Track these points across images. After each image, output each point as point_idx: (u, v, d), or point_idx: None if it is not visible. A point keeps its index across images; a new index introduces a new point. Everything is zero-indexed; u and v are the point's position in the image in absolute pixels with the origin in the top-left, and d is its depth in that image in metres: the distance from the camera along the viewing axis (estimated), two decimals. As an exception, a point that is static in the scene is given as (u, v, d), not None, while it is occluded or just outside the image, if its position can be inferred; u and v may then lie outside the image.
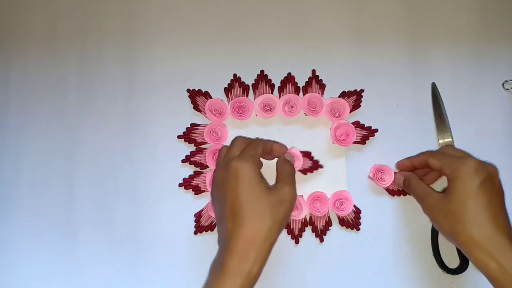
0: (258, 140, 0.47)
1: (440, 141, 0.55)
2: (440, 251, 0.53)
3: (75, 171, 0.56)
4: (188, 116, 0.55)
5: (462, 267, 0.53)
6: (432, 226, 0.53)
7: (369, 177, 0.54)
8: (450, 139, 0.55)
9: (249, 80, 0.55)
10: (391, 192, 0.54)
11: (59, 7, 0.58)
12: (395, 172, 0.54)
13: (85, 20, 0.57)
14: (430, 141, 0.56)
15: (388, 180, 0.54)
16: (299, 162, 0.52)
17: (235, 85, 0.55)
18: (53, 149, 0.56)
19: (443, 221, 0.44)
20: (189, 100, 0.55)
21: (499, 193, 0.44)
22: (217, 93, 0.55)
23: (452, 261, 0.54)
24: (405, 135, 0.56)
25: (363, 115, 0.56)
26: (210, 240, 0.55)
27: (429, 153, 0.50)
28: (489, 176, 0.43)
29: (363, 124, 0.55)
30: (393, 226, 0.55)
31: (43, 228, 0.55)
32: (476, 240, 0.41)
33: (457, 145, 0.55)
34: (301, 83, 0.55)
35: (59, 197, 0.56)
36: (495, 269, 0.40)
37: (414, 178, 0.50)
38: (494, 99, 0.57)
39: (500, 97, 0.57)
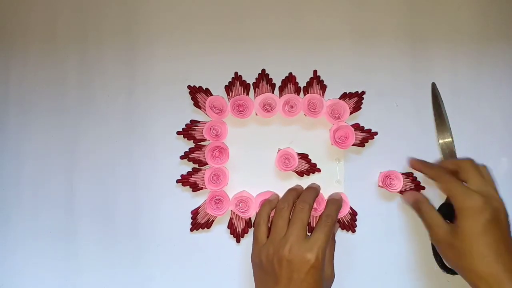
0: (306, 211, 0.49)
1: (440, 141, 0.55)
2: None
3: (75, 170, 0.56)
4: (188, 115, 0.55)
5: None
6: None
7: (379, 185, 0.54)
8: (450, 139, 0.55)
9: (250, 78, 0.55)
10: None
11: (59, 7, 0.58)
12: (406, 190, 0.54)
13: (85, 19, 0.57)
14: (430, 141, 0.56)
15: (398, 185, 0.54)
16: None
17: (236, 83, 0.55)
18: (53, 148, 0.56)
19: (449, 254, 0.45)
20: (189, 100, 0.55)
21: (505, 230, 0.45)
22: (218, 91, 0.55)
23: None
24: (405, 135, 0.56)
25: (363, 115, 0.56)
26: (210, 238, 0.55)
27: (442, 174, 0.49)
28: (495, 213, 0.44)
29: (363, 127, 0.55)
30: (390, 229, 0.55)
31: (43, 227, 0.56)
32: (482, 277, 0.42)
33: (457, 145, 0.55)
34: (302, 83, 0.55)
35: (58, 196, 0.56)
36: None
37: (425, 202, 0.50)
38: (494, 99, 0.56)
39: (500, 97, 0.57)
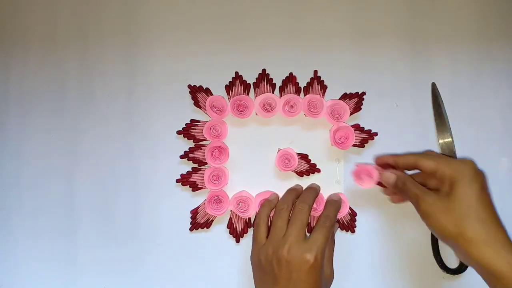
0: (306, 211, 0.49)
1: (440, 141, 0.55)
2: (440, 251, 0.53)
3: (75, 170, 0.56)
4: (188, 116, 0.55)
5: (462, 267, 0.53)
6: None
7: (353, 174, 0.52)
8: (450, 139, 0.55)
9: (250, 78, 0.55)
10: (380, 184, 0.52)
11: (59, 7, 0.57)
12: (383, 168, 0.51)
13: (85, 20, 0.57)
14: (430, 141, 0.56)
15: (368, 183, 0.51)
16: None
17: (236, 83, 0.55)
18: (53, 148, 0.56)
19: (445, 219, 0.44)
20: (189, 99, 0.55)
21: (490, 196, 0.45)
22: (218, 91, 0.55)
23: (452, 261, 0.54)
24: (405, 135, 0.56)
25: (363, 115, 0.56)
26: (209, 238, 0.55)
27: (417, 154, 0.48)
28: (485, 180, 0.45)
29: (363, 127, 0.55)
30: (390, 229, 0.55)
31: (43, 227, 0.56)
32: (484, 238, 0.42)
33: (457, 145, 0.55)
34: (302, 83, 0.55)
35: (59, 196, 0.56)
36: (505, 265, 0.40)
37: (409, 178, 0.49)
38: (494, 99, 0.56)
39: (500, 97, 0.57)
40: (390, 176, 0.49)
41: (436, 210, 0.44)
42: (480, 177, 0.44)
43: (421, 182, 0.48)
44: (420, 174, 0.48)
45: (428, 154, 0.49)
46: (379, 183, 0.51)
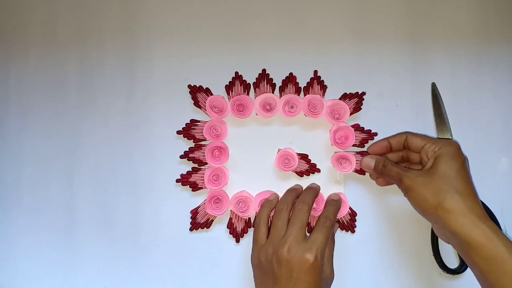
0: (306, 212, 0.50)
1: (440, 141, 0.55)
2: (440, 251, 0.53)
3: (75, 170, 0.56)
4: (188, 116, 0.55)
5: (461, 267, 0.53)
6: (432, 227, 0.53)
7: (332, 162, 0.54)
8: (450, 139, 0.55)
9: (250, 78, 0.55)
10: (360, 172, 0.54)
11: (59, 7, 0.58)
12: (363, 156, 0.53)
13: (85, 20, 0.57)
14: (430, 142, 0.56)
15: (349, 168, 0.54)
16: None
17: (236, 83, 0.55)
18: (53, 149, 0.56)
19: (426, 192, 0.46)
20: (189, 99, 0.55)
21: (470, 176, 0.48)
22: (218, 91, 0.55)
23: (452, 261, 0.54)
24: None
25: (363, 116, 0.56)
26: (209, 238, 0.55)
27: (407, 133, 0.52)
28: (466, 161, 0.48)
29: (363, 128, 0.55)
30: (390, 229, 0.55)
31: (43, 228, 0.56)
32: (461, 208, 0.44)
33: (457, 145, 0.55)
34: (302, 84, 0.55)
35: (59, 196, 0.56)
36: (480, 235, 0.42)
37: (388, 160, 0.51)
38: (494, 99, 0.57)
39: (500, 97, 0.57)
40: (369, 161, 0.52)
41: (418, 184, 0.46)
42: (461, 156, 0.47)
43: (406, 159, 0.52)
44: (406, 151, 0.52)
45: (417, 134, 0.52)
46: (360, 171, 0.54)
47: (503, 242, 0.41)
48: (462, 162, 0.46)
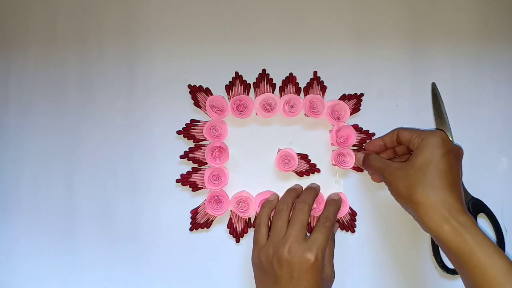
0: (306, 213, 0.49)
1: (440, 141, 0.55)
2: (440, 251, 0.54)
3: (75, 170, 0.56)
4: (188, 116, 0.55)
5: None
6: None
7: (332, 164, 0.55)
8: (450, 139, 0.55)
9: (250, 78, 0.55)
10: (357, 169, 0.55)
11: (59, 7, 0.58)
12: (355, 152, 0.54)
13: (85, 20, 0.57)
14: (430, 142, 0.56)
15: (351, 162, 0.54)
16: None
17: (236, 83, 0.55)
18: (53, 148, 0.56)
19: (401, 184, 0.45)
20: (189, 99, 0.55)
21: (458, 168, 0.46)
22: (218, 91, 0.55)
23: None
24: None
25: (363, 116, 0.56)
26: (209, 238, 0.55)
27: (399, 128, 0.51)
28: (454, 150, 0.46)
29: (361, 128, 0.55)
30: (390, 229, 0.55)
31: (43, 228, 0.56)
32: (432, 202, 0.43)
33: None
34: (302, 83, 0.55)
35: (59, 197, 0.56)
36: (448, 231, 0.41)
37: (374, 154, 0.52)
38: (494, 99, 0.57)
39: (500, 97, 0.57)
40: (360, 156, 0.53)
41: (396, 177, 0.46)
42: (445, 147, 0.45)
43: (402, 155, 0.52)
44: (402, 147, 0.52)
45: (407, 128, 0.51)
46: (358, 168, 0.54)
47: (472, 236, 0.41)
48: (443, 153, 0.44)
